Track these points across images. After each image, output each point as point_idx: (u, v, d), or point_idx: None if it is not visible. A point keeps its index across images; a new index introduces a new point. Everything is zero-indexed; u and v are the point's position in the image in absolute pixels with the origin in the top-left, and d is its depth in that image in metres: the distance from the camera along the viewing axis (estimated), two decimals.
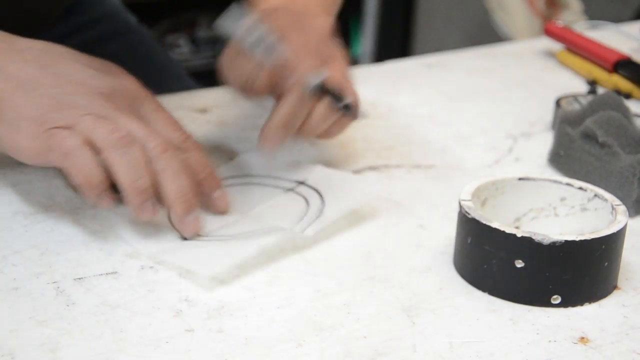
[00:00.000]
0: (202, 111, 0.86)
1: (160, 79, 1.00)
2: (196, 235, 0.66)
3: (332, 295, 0.61)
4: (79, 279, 0.61)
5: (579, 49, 1.01)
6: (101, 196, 0.63)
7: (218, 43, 2.21)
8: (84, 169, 0.63)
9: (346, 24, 2.38)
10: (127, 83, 0.68)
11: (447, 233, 0.68)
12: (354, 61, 2.26)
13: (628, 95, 0.94)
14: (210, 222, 0.68)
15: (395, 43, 2.39)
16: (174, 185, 0.64)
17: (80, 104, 0.64)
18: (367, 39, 2.42)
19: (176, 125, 0.68)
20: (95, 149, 0.63)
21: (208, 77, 1.25)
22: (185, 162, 0.66)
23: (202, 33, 2.25)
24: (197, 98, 0.89)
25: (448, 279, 0.63)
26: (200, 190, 0.67)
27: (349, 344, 0.56)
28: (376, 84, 0.94)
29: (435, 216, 0.71)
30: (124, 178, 0.63)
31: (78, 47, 0.98)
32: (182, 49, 2.25)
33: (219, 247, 0.65)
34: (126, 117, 0.65)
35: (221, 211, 0.69)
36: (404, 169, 0.78)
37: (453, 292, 0.62)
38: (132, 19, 1.06)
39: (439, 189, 0.75)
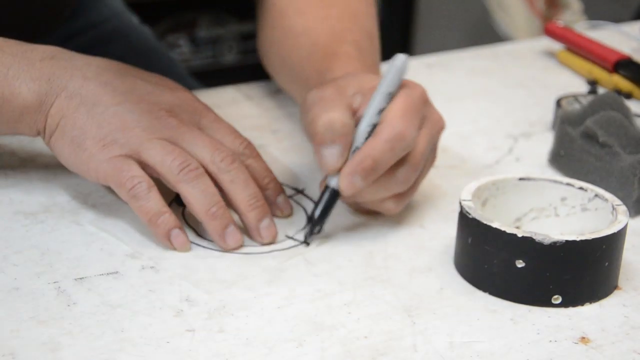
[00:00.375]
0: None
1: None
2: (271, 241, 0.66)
3: (332, 295, 0.61)
4: (80, 279, 0.61)
5: (579, 49, 1.01)
6: (168, 235, 0.64)
7: (218, 43, 2.21)
8: (151, 211, 0.64)
9: None
10: (186, 97, 0.69)
11: (448, 233, 0.68)
12: None
13: (628, 95, 0.94)
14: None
15: (395, 43, 2.39)
16: (245, 194, 0.66)
17: (144, 125, 0.65)
18: None
19: (236, 133, 0.69)
20: (163, 179, 0.65)
21: (208, 77, 1.25)
22: (249, 169, 0.67)
23: (202, 33, 2.25)
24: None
25: (448, 279, 0.63)
26: (264, 196, 0.68)
27: (349, 344, 0.56)
28: None
29: (435, 216, 0.71)
30: (198, 208, 0.64)
31: (81, 49, 0.98)
32: (182, 49, 2.25)
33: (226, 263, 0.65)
34: (191, 133, 0.66)
35: (286, 215, 0.70)
36: None
37: (453, 292, 0.62)
38: (134, 19, 1.06)
39: (439, 189, 0.75)
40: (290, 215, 0.70)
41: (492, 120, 0.89)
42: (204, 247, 0.66)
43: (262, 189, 0.68)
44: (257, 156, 0.69)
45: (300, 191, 0.73)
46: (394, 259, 0.66)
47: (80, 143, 0.65)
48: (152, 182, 0.64)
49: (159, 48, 1.06)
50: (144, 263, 0.63)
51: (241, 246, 0.65)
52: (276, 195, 0.69)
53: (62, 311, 0.58)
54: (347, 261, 0.65)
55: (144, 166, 0.65)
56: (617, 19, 1.24)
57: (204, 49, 2.26)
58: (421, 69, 0.98)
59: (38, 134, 0.67)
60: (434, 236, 0.68)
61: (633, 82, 0.94)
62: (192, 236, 0.66)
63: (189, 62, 2.20)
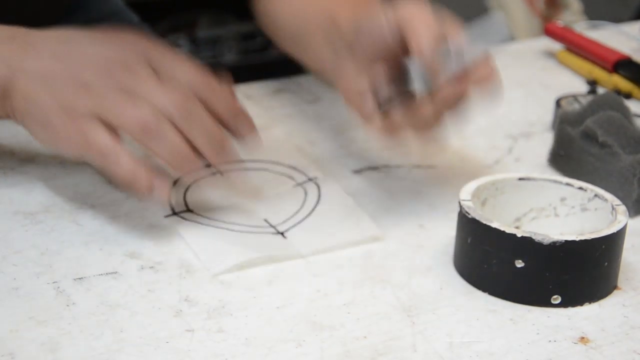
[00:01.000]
0: None
1: None
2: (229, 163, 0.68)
3: (332, 295, 0.61)
4: (79, 279, 0.61)
5: (579, 49, 1.01)
6: (150, 188, 0.64)
7: (218, 43, 2.21)
8: (123, 167, 0.63)
9: None
10: (135, 44, 0.68)
11: (447, 233, 0.68)
12: None
13: (628, 95, 0.94)
14: (212, 200, 0.70)
15: None
16: (203, 138, 0.65)
17: (98, 84, 0.65)
18: None
19: (194, 69, 0.68)
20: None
21: None
22: (208, 106, 0.66)
23: (202, 33, 2.25)
24: None
25: (448, 279, 0.63)
26: (230, 129, 0.68)
27: (349, 344, 0.56)
28: None
29: (435, 216, 0.71)
30: (171, 166, 0.65)
31: None
32: (182, 49, 2.25)
33: (223, 239, 0.66)
34: (144, 85, 0.65)
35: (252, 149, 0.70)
36: (404, 169, 0.78)
37: (453, 292, 0.62)
38: (134, 17, 1.05)
39: (439, 189, 0.75)
40: (253, 132, 0.70)
41: (492, 120, 0.89)
42: (204, 224, 0.67)
43: (225, 123, 0.68)
44: (213, 89, 0.68)
45: (312, 179, 0.74)
46: (393, 258, 0.65)
47: (45, 121, 0.65)
48: (117, 141, 0.64)
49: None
50: (143, 263, 0.63)
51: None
52: (242, 132, 0.69)
53: (61, 311, 0.58)
54: (347, 261, 0.65)
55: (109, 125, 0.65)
56: (617, 19, 1.24)
57: (204, 49, 2.26)
58: None
59: (8, 117, 0.67)
60: (433, 236, 0.68)
61: (633, 82, 0.94)
62: (192, 216, 0.67)
63: None
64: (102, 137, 0.63)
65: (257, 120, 0.85)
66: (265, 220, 0.68)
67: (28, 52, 0.67)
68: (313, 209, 0.70)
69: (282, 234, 0.67)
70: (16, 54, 0.67)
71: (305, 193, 0.72)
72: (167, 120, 0.64)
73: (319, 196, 0.72)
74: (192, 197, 0.70)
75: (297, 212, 0.69)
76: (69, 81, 0.65)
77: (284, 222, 0.68)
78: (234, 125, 0.68)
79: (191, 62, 0.68)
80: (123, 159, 0.63)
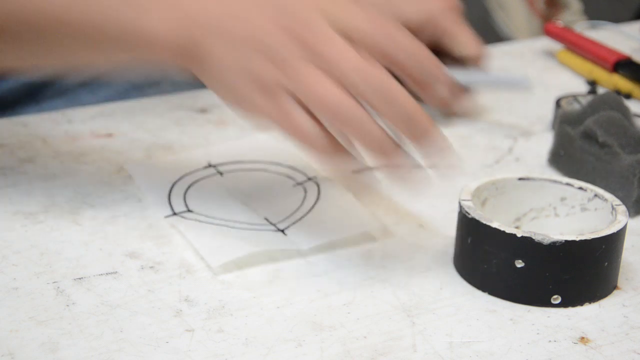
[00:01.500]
0: (202, 111, 0.86)
1: (160, 80, 1.00)
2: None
3: (332, 295, 0.61)
4: (79, 279, 0.61)
5: (579, 49, 1.01)
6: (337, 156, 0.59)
7: None
8: (326, 154, 0.59)
9: None
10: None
11: (447, 233, 0.68)
12: None
13: (628, 95, 0.94)
14: (213, 200, 0.70)
15: None
16: (404, 124, 0.58)
17: (281, 50, 0.58)
18: None
19: (371, 17, 0.59)
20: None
21: None
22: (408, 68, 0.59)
23: None
24: (197, 98, 0.89)
25: (448, 279, 0.63)
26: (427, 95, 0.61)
27: (349, 344, 0.56)
28: None
29: (434, 216, 0.71)
30: (366, 149, 0.58)
31: None
32: None
33: (223, 236, 0.66)
34: (330, 45, 0.58)
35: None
36: (404, 169, 0.78)
37: (453, 292, 0.62)
38: None
39: (439, 189, 0.75)
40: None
41: (492, 120, 0.89)
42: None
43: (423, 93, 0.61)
44: (403, 35, 0.59)
45: (311, 178, 0.74)
46: (393, 258, 0.66)
47: (238, 91, 0.60)
48: (319, 124, 0.59)
49: None
50: (143, 263, 0.63)
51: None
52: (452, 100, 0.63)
53: (61, 311, 0.58)
54: (347, 261, 0.65)
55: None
56: (617, 19, 1.24)
57: None
58: None
59: (187, 71, 0.63)
60: (433, 236, 0.68)
61: (633, 82, 0.94)
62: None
63: None
64: (303, 120, 0.59)
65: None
66: (266, 219, 0.68)
67: (208, 6, 0.61)
68: (313, 207, 0.70)
69: (282, 231, 0.67)
70: (197, 11, 0.61)
71: (305, 191, 0.72)
72: (361, 102, 0.58)
73: (319, 194, 0.72)
74: (192, 198, 0.70)
75: (296, 210, 0.69)
76: (251, 44, 0.59)
77: (284, 219, 0.68)
78: (425, 87, 0.61)
79: (361, 10, 0.60)
80: (324, 146, 0.59)
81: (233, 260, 0.63)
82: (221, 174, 0.74)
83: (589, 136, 0.75)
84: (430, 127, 0.59)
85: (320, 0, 0.60)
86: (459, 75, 0.68)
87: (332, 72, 0.58)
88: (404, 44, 0.59)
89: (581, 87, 0.97)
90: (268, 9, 0.60)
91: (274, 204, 0.70)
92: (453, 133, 0.85)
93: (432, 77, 0.60)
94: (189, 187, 0.72)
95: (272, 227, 0.67)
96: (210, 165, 0.75)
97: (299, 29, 0.59)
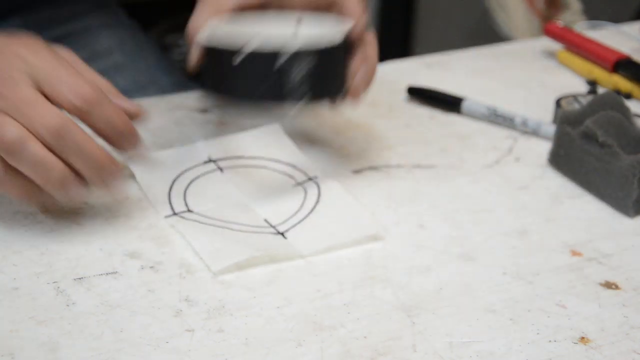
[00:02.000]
0: (202, 111, 0.86)
1: (150, 73, 1.00)
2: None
3: (332, 295, 0.61)
4: (79, 278, 0.61)
5: (579, 49, 1.01)
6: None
7: None
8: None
9: None
10: (20, 51, 0.63)
11: (447, 233, 0.68)
12: None
13: (628, 95, 0.94)
14: (213, 200, 0.70)
15: (395, 43, 2.39)
16: (83, 163, 0.62)
17: None
18: None
19: (77, 82, 0.62)
20: None
21: None
22: (97, 121, 0.63)
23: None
24: (197, 98, 0.89)
25: (448, 279, 0.63)
26: (119, 147, 0.65)
27: (349, 344, 0.56)
28: (376, 84, 0.94)
29: (435, 216, 0.71)
30: (38, 181, 0.61)
31: (62, 37, 0.97)
32: (182, 49, 2.24)
33: (223, 238, 0.66)
34: (20, 101, 0.60)
35: (139, 114, 0.66)
36: (404, 169, 0.78)
37: (452, 292, 0.62)
38: (122, 14, 1.05)
39: (439, 189, 0.75)
40: (139, 115, 0.67)
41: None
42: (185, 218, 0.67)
43: (116, 140, 0.64)
44: (104, 104, 0.63)
45: (311, 179, 0.74)
46: (393, 258, 0.66)
47: None
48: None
49: (150, 44, 1.05)
50: (143, 263, 0.63)
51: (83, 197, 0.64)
52: (130, 146, 0.65)
53: (61, 311, 0.58)
54: (347, 261, 0.65)
55: None
56: (617, 19, 1.24)
57: None
58: (421, 69, 0.98)
59: None
60: (433, 236, 0.68)
61: (633, 82, 0.94)
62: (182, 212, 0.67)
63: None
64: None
65: (257, 121, 0.85)
66: (266, 221, 0.68)
67: None
68: (313, 209, 0.70)
69: (282, 234, 0.67)
70: None
71: (305, 192, 0.72)
72: (37, 141, 0.61)
73: (319, 195, 0.72)
74: (192, 198, 0.70)
75: (297, 212, 0.69)
76: None
77: (284, 222, 0.68)
78: (117, 141, 0.64)
79: (71, 73, 0.63)
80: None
81: (232, 264, 0.63)
82: (221, 170, 0.74)
83: (589, 136, 0.75)
84: (109, 165, 0.63)
85: (29, 62, 0.62)
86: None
87: (13, 120, 0.60)
88: (101, 115, 0.63)
89: (581, 87, 0.97)
90: None
91: (274, 205, 0.70)
92: (453, 133, 0.85)
93: (123, 137, 0.64)
94: (189, 184, 0.72)
95: (272, 230, 0.67)
96: (210, 160, 0.75)
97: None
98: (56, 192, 0.62)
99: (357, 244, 0.67)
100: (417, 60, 1.02)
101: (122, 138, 0.64)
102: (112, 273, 0.62)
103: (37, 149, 0.61)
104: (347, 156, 0.80)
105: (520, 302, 0.61)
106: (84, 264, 0.63)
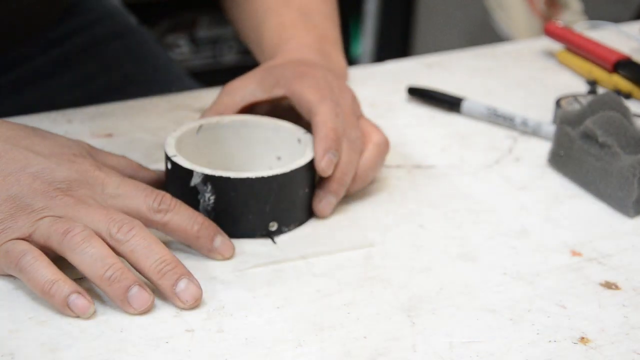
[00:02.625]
0: (202, 111, 0.86)
1: (160, 80, 1.00)
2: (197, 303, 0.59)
3: (332, 295, 0.61)
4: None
5: (579, 49, 1.01)
6: (68, 301, 0.57)
7: (218, 43, 2.21)
8: (41, 281, 0.58)
9: (346, 24, 2.38)
10: (85, 168, 0.63)
11: (447, 233, 0.68)
12: (354, 61, 2.26)
13: (628, 95, 0.94)
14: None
15: (395, 43, 2.39)
16: (149, 261, 0.59)
17: (36, 207, 0.60)
18: (367, 38, 2.42)
19: (148, 191, 0.63)
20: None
21: (208, 77, 1.25)
22: (169, 225, 0.63)
23: (202, 33, 2.25)
24: (197, 98, 0.89)
25: (448, 279, 0.63)
26: (198, 245, 0.64)
27: (349, 344, 0.56)
28: (376, 84, 0.94)
29: (434, 216, 0.71)
30: (91, 275, 0.58)
31: (76, 50, 0.97)
32: (182, 49, 2.25)
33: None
34: (86, 209, 0.61)
35: (228, 257, 0.64)
36: (404, 169, 0.78)
37: (453, 292, 0.62)
38: (132, 19, 1.05)
39: (439, 189, 0.75)
40: (232, 256, 0.64)
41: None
42: None
43: (193, 238, 0.63)
44: (177, 206, 0.63)
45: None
46: (393, 258, 0.66)
47: None
48: (39, 252, 0.59)
49: (157, 49, 1.05)
50: None
51: (151, 306, 0.58)
52: (211, 240, 0.64)
53: (61, 311, 0.58)
54: (347, 261, 0.65)
55: (38, 247, 0.60)
56: (617, 19, 1.24)
57: (204, 49, 2.26)
58: (421, 69, 0.98)
59: None
60: (433, 236, 0.68)
61: (633, 82, 0.94)
62: None
63: (189, 62, 2.20)
64: (21, 246, 0.59)
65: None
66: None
67: None
68: (308, 220, 0.70)
69: (272, 239, 0.67)
70: None
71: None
72: (96, 235, 0.59)
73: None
74: None
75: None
76: (5, 198, 0.60)
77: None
78: (200, 235, 0.63)
79: (141, 185, 0.64)
80: (41, 267, 0.58)
81: (230, 270, 0.63)
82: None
83: (589, 136, 0.75)
84: (179, 270, 0.60)
85: (90, 172, 0.63)
86: None
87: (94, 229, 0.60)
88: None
89: (581, 87, 0.97)
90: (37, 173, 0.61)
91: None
92: (453, 133, 0.85)
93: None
94: None
95: (266, 238, 0.67)
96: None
97: (59, 193, 0.61)
98: (111, 293, 0.58)
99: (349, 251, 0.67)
100: (417, 60, 1.02)
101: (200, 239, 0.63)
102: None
103: (100, 242, 0.59)
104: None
105: (520, 302, 0.61)
106: None
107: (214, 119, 0.72)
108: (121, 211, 0.61)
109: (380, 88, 0.94)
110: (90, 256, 0.58)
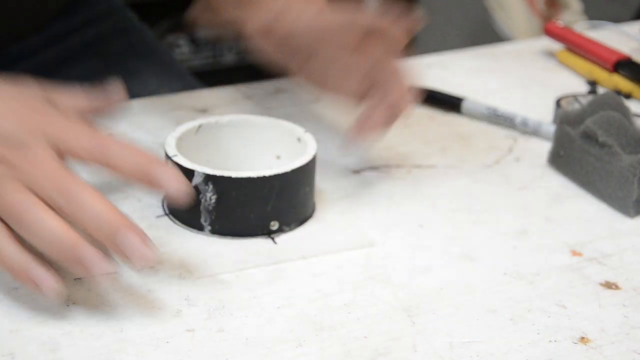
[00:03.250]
0: (202, 111, 0.86)
1: (161, 77, 1.00)
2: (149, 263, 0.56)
3: (332, 295, 0.61)
4: (79, 278, 0.61)
5: (579, 49, 1.01)
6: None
7: (218, 43, 2.21)
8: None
9: None
10: (35, 107, 0.60)
11: (447, 233, 0.68)
12: None
13: (628, 95, 0.94)
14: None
15: None
16: (88, 219, 0.55)
17: None
18: None
19: (87, 132, 0.60)
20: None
21: (208, 77, 1.25)
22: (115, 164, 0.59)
23: (202, 33, 2.25)
24: (197, 98, 0.89)
25: (448, 279, 0.63)
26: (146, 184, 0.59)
27: (349, 344, 0.56)
28: None
29: (434, 216, 0.71)
30: (43, 248, 0.55)
31: (77, 46, 0.97)
32: (182, 49, 2.25)
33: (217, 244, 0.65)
34: (30, 163, 0.57)
35: (172, 191, 0.58)
36: (404, 169, 0.78)
37: (453, 292, 0.62)
38: (133, 17, 1.05)
39: (439, 189, 0.75)
40: (177, 190, 0.58)
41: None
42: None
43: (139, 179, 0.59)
44: (116, 145, 0.59)
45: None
46: (393, 258, 0.66)
47: None
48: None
49: (159, 47, 1.05)
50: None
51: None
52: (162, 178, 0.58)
53: (61, 311, 0.58)
54: (347, 261, 0.65)
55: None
56: (617, 19, 1.24)
57: (204, 49, 2.26)
58: (421, 69, 0.98)
59: None
60: (433, 236, 0.68)
61: (633, 82, 0.94)
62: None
63: (189, 62, 2.20)
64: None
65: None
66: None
67: None
68: (309, 218, 0.70)
69: (273, 239, 0.67)
70: None
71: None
72: (44, 204, 0.55)
73: (314, 204, 0.71)
74: None
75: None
76: None
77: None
78: (148, 180, 0.58)
79: (82, 125, 0.60)
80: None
81: (230, 268, 0.63)
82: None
83: (589, 136, 0.75)
84: (122, 226, 0.55)
85: (45, 124, 0.59)
86: None
87: (31, 186, 0.56)
88: (119, 155, 0.58)
89: (581, 87, 0.97)
90: None
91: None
92: (453, 133, 0.85)
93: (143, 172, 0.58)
94: None
95: (266, 236, 0.67)
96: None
97: (9, 153, 0.57)
98: (72, 267, 0.55)
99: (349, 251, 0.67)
100: (417, 60, 1.02)
101: (154, 169, 0.58)
102: (112, 273, 0.62)
103: (48, 215, 0.55)
104: (347, 156, 0.80)
105: (520, 302, 0.61)
106: None
107: (213, 119, 0.72)
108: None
109: None
110: (38, 230, 0.55)
